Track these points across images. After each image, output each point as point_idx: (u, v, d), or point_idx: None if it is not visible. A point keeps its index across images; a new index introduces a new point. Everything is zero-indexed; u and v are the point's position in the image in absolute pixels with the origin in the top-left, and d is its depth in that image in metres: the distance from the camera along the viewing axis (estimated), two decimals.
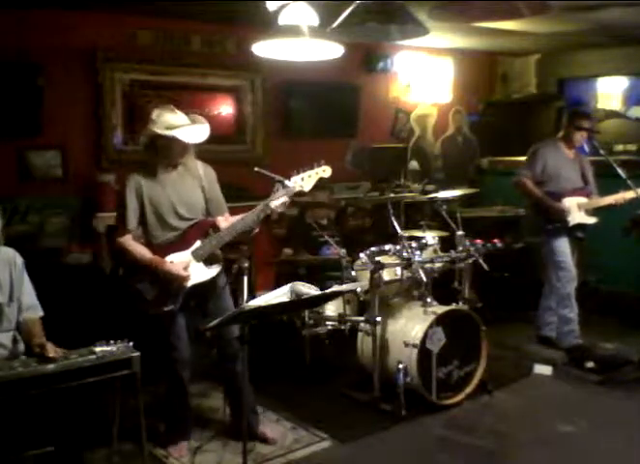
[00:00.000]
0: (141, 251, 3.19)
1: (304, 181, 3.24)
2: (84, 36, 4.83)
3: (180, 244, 3.24)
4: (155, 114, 3.17)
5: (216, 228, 3.32)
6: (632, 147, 6.71)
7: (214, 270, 3.29)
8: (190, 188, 3.29)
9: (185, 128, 3.15)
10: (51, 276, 3.85)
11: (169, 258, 3.20)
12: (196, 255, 3.23)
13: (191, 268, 3.21)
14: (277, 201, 3.17)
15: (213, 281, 3.30)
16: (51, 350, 2.69)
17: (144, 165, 3.25)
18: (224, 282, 3.37)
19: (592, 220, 4.72)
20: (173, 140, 3.12)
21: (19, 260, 2.87)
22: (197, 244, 3.25)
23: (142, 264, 3.18)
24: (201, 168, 3.32)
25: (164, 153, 3.19)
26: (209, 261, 3.26)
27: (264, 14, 3.39)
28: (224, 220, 3.36)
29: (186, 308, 3.26)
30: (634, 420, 3.74)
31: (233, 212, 3.46)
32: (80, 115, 4.93)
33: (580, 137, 4.73)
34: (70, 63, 4.81)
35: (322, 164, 3.29)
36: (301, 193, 3.31)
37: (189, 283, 3.21)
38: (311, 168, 3.27)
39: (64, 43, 4.73)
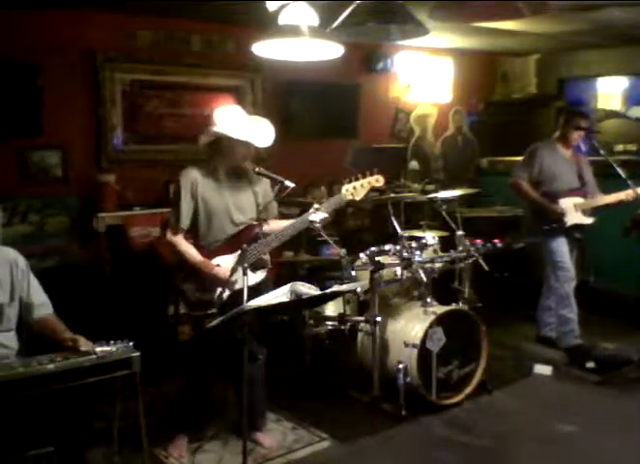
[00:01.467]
0: (191, 252, 3.17)
1: (355, 190, 3.20)
2: (84, 36, 4.83)
3: (227, 247, 3.22)
4: (218, 114, 3.13)
5: (264, 233, 3.26)
6: (632, 147, 6.72)
7: (259, 275, 3.26)
8: (245, 192, 3.26)
9: (251, 130, 3.10)
10: (51, 276, 3.85)
11: (215, 261, 3.18)
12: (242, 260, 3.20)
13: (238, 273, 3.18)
14: (316, 216, 3.14)
15: (257, 286, 3.23)
16: (84, 343, 2.71)
17: (203, 163, 3.21)
18: (268, 287, 3.33)
19: (589, 221, 4.72)
20: (240, 143, 3.09)
21: (22, 260, 2.87)
22: (245, 248, 3.22)
23: (190, 265, 3.16)
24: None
25: (228, 155, 3.15)
26: (255, 266, 3.21)
27: (264, 14, 3.39)
28: (269, 224, 3.31)
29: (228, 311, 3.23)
30: (634, 420, 3.74)
31: None
32: (80, 115, 4.93)
33: (577, 137, 4.74)
34: (70, 63, 4.80)
35: (375, 173, 3.24)
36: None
37: (235, 287, 3.16)
38: (364, 176, 3.22)
39: (64, 43, 4.73)
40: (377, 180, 3.25)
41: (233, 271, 3.09)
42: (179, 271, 3.24)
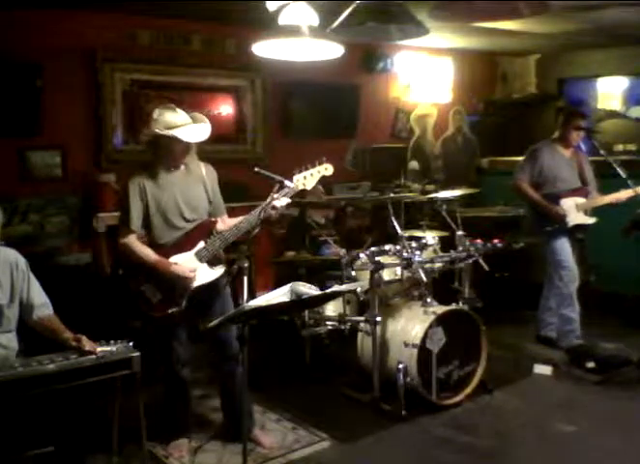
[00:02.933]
0: (147, 253, 3.17)
1: (306, 179, 3.22)
2: (84, 36, 4.83)
3: (183, 244, 3.22)
4: (155, 113, 3.14)
5: (218, 229, 3.31)
6: (632, 147, 6.72)
7: (218, 270, 3.28)
8: (194, 188, 3.27)
9: (185, 127, 3.13)
10: (51, 276, 3.85)
11: (173, 259, 3.18)
12: (200, 256, 3.22)
13: (197, 269, 3.20)
14: (280, 201, 3.16)
15: (216, 282, 3.29)
16: (88, 343, 2.71)
17: (147, 165, 3.22)
18: (226, 283, 3.37)
19: (591, 221, 4.72)
20: (174, 140, 3.10)
21: (22, 261, 2.87)
22: (201, 244, 3.23)
23: (147, 266, 3.16)
24: (203, 168, 3.30)
25: (166, 153, 3.16)
26: (212, 262, 3.25)
27: (264, 14, 3.39)
28: (222, 222, 3.35)
29: (187, 309, 3.24)
30: (634, 420, 3.73)
31: (233, 212, 3.46)
32: (80, 115, 4.93)
33: (576, 137, 4.73)
34: (69, 63, 4.81)
35: (324, 162, 3.27)
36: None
37: (194, 284, 3.19)
38: (313, 166, 3.26)
39: (64, 43, 4.73)
40: (326, 168, 3.27)
41: (193, 269, 3.14)
42: (136, 272, 3.23)
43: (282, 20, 3.27)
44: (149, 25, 5.13)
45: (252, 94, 5.77)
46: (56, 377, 2.58)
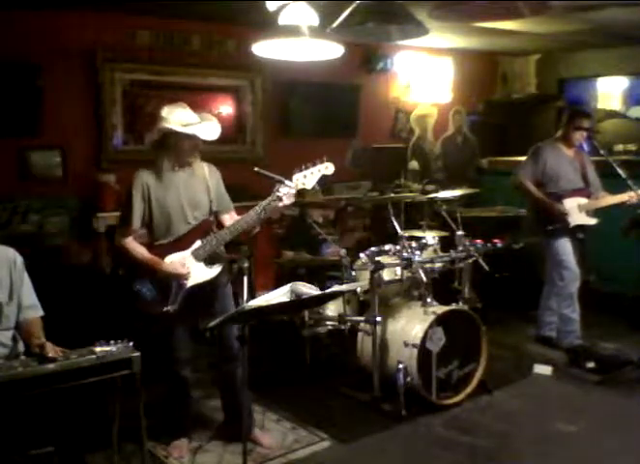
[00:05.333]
0: (139, 251, 3.18)
1: (306, 178, 3.21)
2: (84, 36, 4.84)
3: (181, 244, 3.23)
4: (164, 111, 3.13)
5: (218, 228, 3.30)
6: (632, 147, 6.72)
7: (215, 269, 3.28)
8: (198, 188, 3.26)
9: (196, 125, 3.12)
10: (51, 276, 3.86)
11: (168, 258, 3.18)
12: (196, 255, 3.22)
13: (192, 268, 3.20)
14: (279, 200, 3.15)
15: (214, 281, 3.28)
16: (50, 349, 2.69)
17: (151, 164, 3.22)
18: (226, 282, 3.36)
19: (593, 221, 4.71)
20: (185, 138, 3.09)
21: (19, 259, 2.87)
22: (197, 243, 3.23)
23: (141, 264, 3.18)
24: (205, 168, 3.30)
25: (175, 151, 3.15)
26: (210, 261, 3.25)
27: (264, 14, 3.39)
28: (230, 219, 3.35)
29: (187, 309, 3.24)
30: (634, 420, 3.74)
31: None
32: (80, 115, 4.93)
33: (580, 137, 4.72)
34: (70, 63, 4.81)
35: (324, 161, 3.27)
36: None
37: (190, 283, 3.19)
38: (313, 165, 3.25)
39: (64, 44, 4.74)
40: (326, 167, 3.26)
41: (183, 263, 3.14)
42: (132, 271, 3.23)
43: (282, 20, 3.27)
44: (149, 25, 5.13)
45: (252, 94, 5.77)
46: (56, 377, 2.58)
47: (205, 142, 3.19)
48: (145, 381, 2.83)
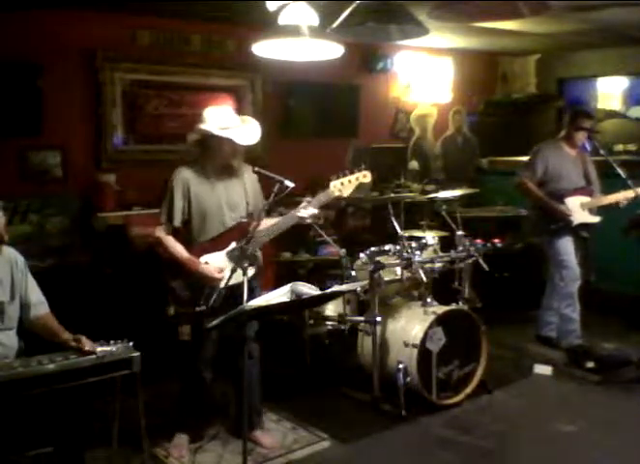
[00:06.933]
0: (178, 250, 3.18)
1: (343, 186, 3.20)
2: (84, 36, 4.83)
3: (217, 244, 3.23)
4: (207, 113, 3.15)
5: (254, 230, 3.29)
6: (632, 147, 6.72)
7: (249, 271, 3.25)
8: (237, 190, 3.28)
9: (237, 128, 3.12)
10: (51, 276, 3.85)
11: (204, 259, 3.18)
12: (231, 256, 3.20)
13: (226, 269, 3.18)
14: (307, 211, 3.16)
15: (248, 283, 3.23)
16: (87, 343, 2.71)
17: (193, 163, 3.23)
18: (257, 284, 3.34)
19: (595, 219, 4.72)
20: (225, 141, 3.10)
21: (20, 259, 2.88)
22: (233, 245, 3.22)
23: (178, 263, 3.17)
24: (244, 169, 3.30)
25: (215, 153, 3.17)
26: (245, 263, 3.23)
27: (264, 13, 3.39)
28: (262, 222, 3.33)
29: (219, 309, 3.21)
30: (634, 420, 3.74)
31: None
32: (80, 115, 4.93)
33: (582, 137, 4.73)
34: (70, 63, 4.81)
35: (362, 169, 3.24)
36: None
37: (223, 284, 3.15)
38: (351, 172, 3.22)
39: (64, 44, 4.73)
40: (365, 176, 3.25)
41: (221, 269, 3.14)
42: (168, 268, 3.24)
43: (282, 20, 3.27)
44: (149, 25, 5.12)
45: (252, 94, 5.76)
46: (56, 377, 2.58)
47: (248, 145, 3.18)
48: (145, 381, 2.83)
